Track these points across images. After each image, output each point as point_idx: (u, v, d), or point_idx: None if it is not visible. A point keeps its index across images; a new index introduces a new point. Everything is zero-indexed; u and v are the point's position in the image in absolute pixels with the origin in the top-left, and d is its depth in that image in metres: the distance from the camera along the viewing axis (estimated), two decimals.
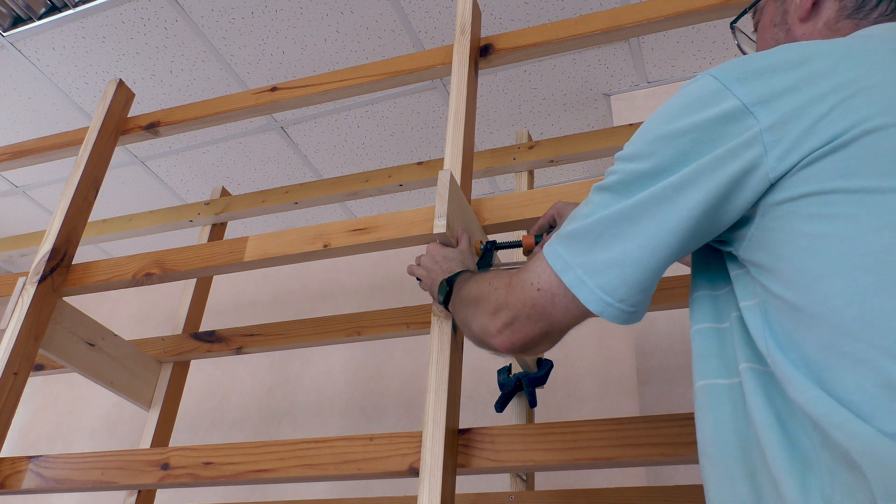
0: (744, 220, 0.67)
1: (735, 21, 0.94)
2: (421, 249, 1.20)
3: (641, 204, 0.68)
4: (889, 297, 0.57)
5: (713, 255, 0.74)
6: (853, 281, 0.59)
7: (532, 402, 1.52)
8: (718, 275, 0.73)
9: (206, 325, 2.10)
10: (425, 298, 2.33)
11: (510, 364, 1.57)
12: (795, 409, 0.60)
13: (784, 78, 0.64)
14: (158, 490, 1.82)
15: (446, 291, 1.03)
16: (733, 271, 0.70)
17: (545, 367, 1.51)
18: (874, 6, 0.76)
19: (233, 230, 2.96)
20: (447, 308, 1.05)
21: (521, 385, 1.49)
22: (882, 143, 0.60)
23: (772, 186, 0.63)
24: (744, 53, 0.94)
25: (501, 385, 1.50)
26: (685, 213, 0.66)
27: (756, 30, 0.90)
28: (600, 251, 0.70)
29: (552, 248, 0.74)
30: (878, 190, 0.59)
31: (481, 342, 0.87)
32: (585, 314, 0.74)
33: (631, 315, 0.71)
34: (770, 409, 0.62)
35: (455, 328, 1.14)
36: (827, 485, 0.56)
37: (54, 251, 1.55)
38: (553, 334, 0.78)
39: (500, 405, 1.46)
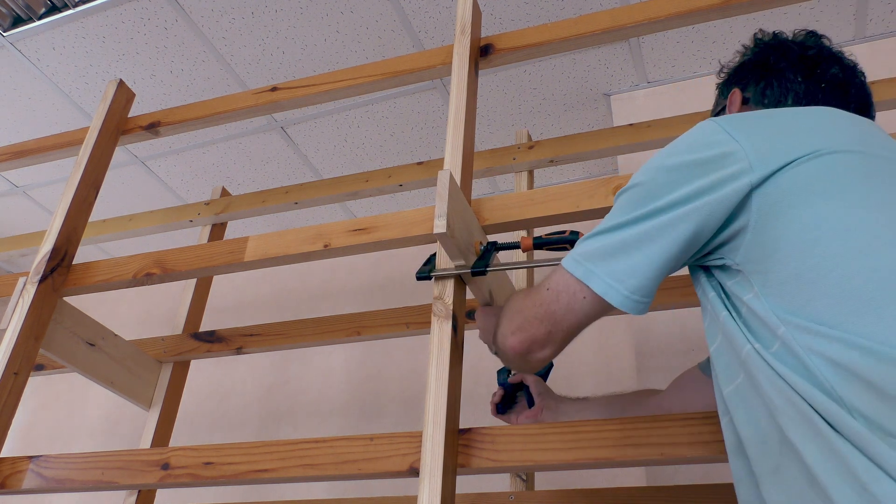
0: (738, 231, 0.79)
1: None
2: (421, 250, 1.20)
3: (653, 228, 0.81)
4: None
5: (708, 286, 0.85)
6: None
7: (531, 404, 1.51)
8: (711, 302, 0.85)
9: (206, 325, 2.10)
10: (425, 298, 2.33)
11: None
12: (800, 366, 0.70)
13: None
14: (158, 490, 1.82)
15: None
16: (729, 281, 0.81)
17: (545, 368, 1.50)
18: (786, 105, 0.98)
19: (233, 230, 2.96)
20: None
21: (520, 387, 1.49)
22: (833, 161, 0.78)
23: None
24: None
25: (501, 387, 1.50)
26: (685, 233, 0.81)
27: None
28: (619, 262, 0.82)
29: (573, 259, 0.85)
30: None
31: (503, 350, 0.93)
32: (586, 313, 0.85)
33: (637, 303, 0.82)
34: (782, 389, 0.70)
35: (455, 328, 1.14)
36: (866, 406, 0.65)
37: (54, 251, 1.55)
38: (556, 335, 0.87)
39: (500, 407, 1.45)
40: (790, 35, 1.05)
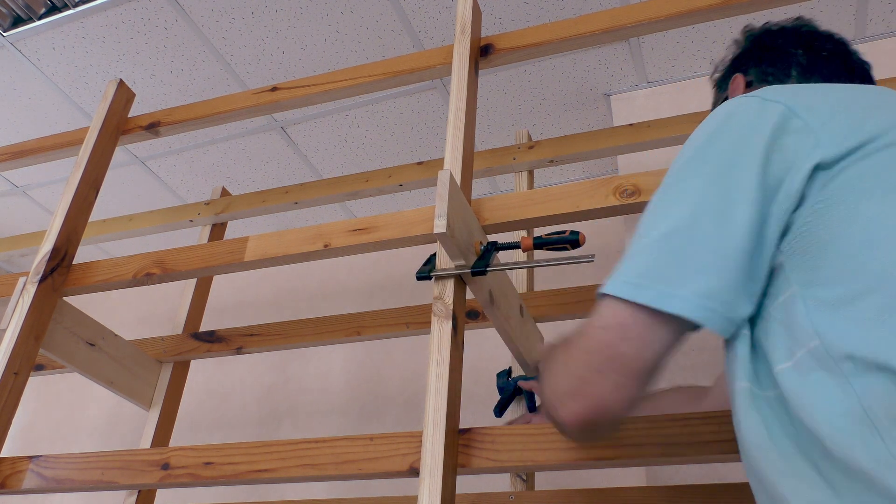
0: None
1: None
2: (421, 250, 1.20)
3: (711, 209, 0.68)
4: None
5: None
6: None
7: (531, 407, 1.51)
8: None
9: (206, 325, 2.10)
10: (425, 298, 2.33)
11: (510, 368, 1.57)
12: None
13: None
14: (158, 490, 1.82)
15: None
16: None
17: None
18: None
19: (233, 230, 2.96)
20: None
21: (520, 389, 1.49)
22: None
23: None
24: None
25: (500, 389, 1.50)
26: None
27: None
28: (680, 266, 0.66)
29: (629, 284, 0.68)
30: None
31: (559, 424, 0.73)
32: (667, 344, 0.67)
33: (730, 321, 0.66)
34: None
35: (455, 328, 1.14)
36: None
37: (55, 251, 1.55)
38: (628, 385, 0.66)
39: (500, 409, 1.45)
40: (780, 22, 1.03)
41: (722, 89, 1.05)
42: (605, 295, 0.69)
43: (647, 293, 0.65)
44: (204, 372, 2.90)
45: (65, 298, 1.57)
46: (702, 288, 0.64)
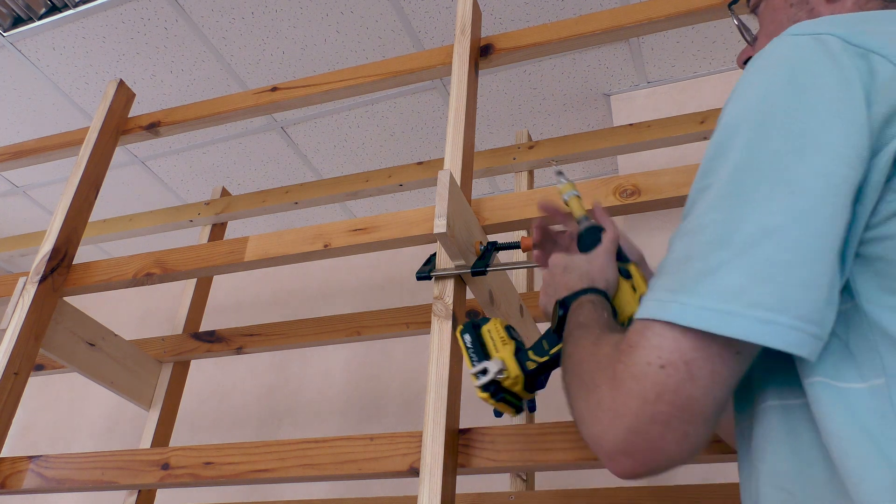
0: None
1: (734, 2, 0.91)
2: (421, 249, 1.20)
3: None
4: None
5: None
6: None
7: (531, 407, 1.51)
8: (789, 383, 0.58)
9: (206, 325, 2.10)
10: (425, 298, 2.33)
11: None
12: None
13: None
14: (158, 490, 1.82)
15: (559, 317, 0.79)
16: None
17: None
18: None
19: (233, 230, 2.96)
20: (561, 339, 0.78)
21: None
22: None
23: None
24: (745, 34, 0.90)
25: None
26: None
27: (756, 10, 0.86)
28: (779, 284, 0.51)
29: (690, 310, 0.52)
30: None
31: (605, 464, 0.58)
32: (738, 372, 0.53)
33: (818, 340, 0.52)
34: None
35: (455, 328, 1.14)
36: None
37: (55, 251, 1.55)
38: (696, 434, 0.52)
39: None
40: None
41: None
42: (651, 320, 0.54)
43: (740, 323, 0.50)
44: (204, 372, 2.90)
45: (65, 298, 1.57)
46: (803, 310, 0.50)
